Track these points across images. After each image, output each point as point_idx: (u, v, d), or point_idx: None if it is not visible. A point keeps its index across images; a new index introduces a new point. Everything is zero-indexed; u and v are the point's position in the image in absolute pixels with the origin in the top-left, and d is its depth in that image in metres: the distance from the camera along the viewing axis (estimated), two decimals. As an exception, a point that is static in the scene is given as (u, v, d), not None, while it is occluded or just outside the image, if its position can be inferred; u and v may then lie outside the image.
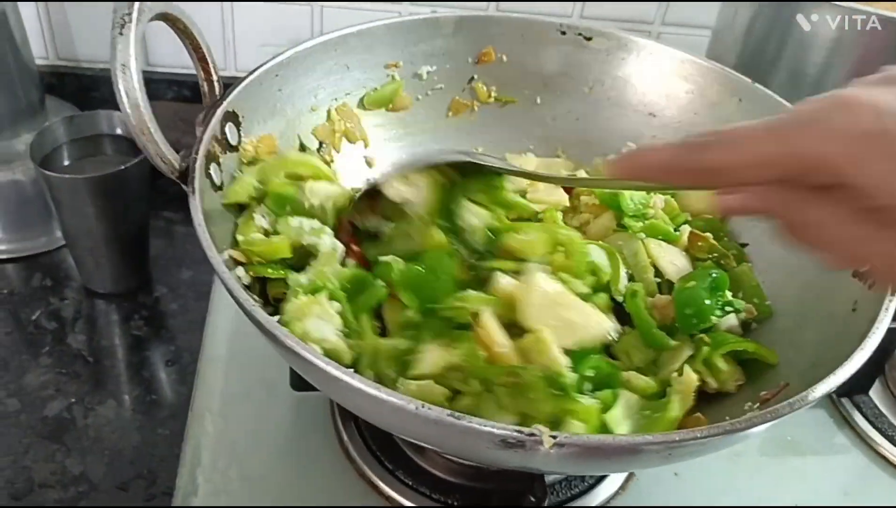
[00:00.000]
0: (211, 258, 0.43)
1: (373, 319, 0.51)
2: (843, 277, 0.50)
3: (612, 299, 0.54)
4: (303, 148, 0.62)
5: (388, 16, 0.66)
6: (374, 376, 0.48)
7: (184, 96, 0.94)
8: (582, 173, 0.68)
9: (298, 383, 0.53)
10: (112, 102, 0.47)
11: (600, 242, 0.57)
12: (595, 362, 0.49)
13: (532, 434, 0.35)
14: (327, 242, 0.53)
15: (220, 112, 0.52)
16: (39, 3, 0.88)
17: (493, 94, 0.70)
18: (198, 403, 0.60)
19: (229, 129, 0.53)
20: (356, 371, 0.44)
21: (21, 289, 0.79)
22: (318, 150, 0.63)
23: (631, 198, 0.60)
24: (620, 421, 0.45)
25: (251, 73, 0.56)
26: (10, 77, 0.80)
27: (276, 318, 0.46)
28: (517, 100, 0.71)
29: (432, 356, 0.47)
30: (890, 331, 0.44)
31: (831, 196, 0.33)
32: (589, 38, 0.68)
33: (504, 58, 0.69)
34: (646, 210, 0.61)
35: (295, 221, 0.53)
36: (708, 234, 0.60)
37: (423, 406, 0.36)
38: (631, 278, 0.57)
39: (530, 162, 0.69)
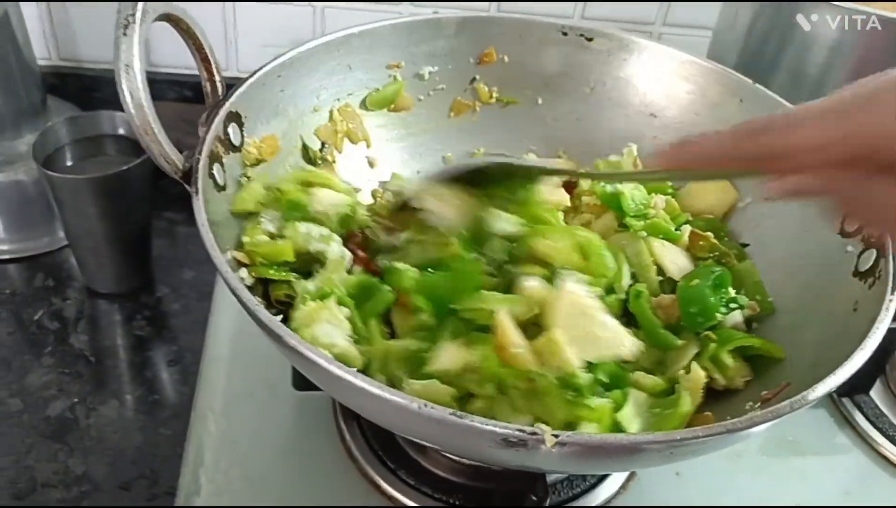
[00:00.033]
0: (214, 258, 0.44)
1: (381, 324, 0.51)
2: (844, 277, 0.50)
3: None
4: (305, 148, 0.62)
5: (389, 16, 0.66)
6: (386, 380, 0.47)
7: (186, 97, 0.94)
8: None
9: (301, 383, 0.53)
10: (114, 103, 0.47)
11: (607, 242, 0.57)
12: (605, 366, 0.48)
13: (534, 433, 0.35)
14: (336, 249, 0.53)
15: (222, 112, 0.52)
16: (41, 3, 0.88)
17: (494, 94, 0.71)
18: (200, 403, 0.60)
19: (232, 129, 0.54)
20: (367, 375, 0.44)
21: (23, 289, 0.79)
22: (321, 150, 0.63)
23: (632, 198, 0.60)
24: (632, 419, 0.45)
25: (254, 73, 0.56)
26: (12, 77, 0.80)
27: (279, 318, 0.46)
28: (519, 100, 0.71)
29: (449, 354, 0.47)
30: (890, 331, 0.44)
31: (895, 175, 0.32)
32: (590, 39, 0.68)
33: (505, 58, 0.69)
34: (647, 210, 0.61)
35: (303, 226, 0.53)
36: (709, 233, 0.60)
37: (425, 406, 0.36)
38: (634, 278, 0.57)
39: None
